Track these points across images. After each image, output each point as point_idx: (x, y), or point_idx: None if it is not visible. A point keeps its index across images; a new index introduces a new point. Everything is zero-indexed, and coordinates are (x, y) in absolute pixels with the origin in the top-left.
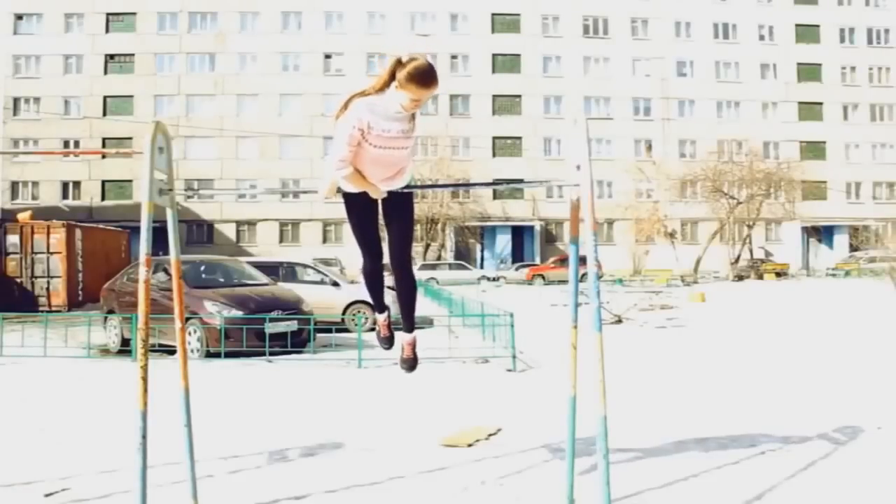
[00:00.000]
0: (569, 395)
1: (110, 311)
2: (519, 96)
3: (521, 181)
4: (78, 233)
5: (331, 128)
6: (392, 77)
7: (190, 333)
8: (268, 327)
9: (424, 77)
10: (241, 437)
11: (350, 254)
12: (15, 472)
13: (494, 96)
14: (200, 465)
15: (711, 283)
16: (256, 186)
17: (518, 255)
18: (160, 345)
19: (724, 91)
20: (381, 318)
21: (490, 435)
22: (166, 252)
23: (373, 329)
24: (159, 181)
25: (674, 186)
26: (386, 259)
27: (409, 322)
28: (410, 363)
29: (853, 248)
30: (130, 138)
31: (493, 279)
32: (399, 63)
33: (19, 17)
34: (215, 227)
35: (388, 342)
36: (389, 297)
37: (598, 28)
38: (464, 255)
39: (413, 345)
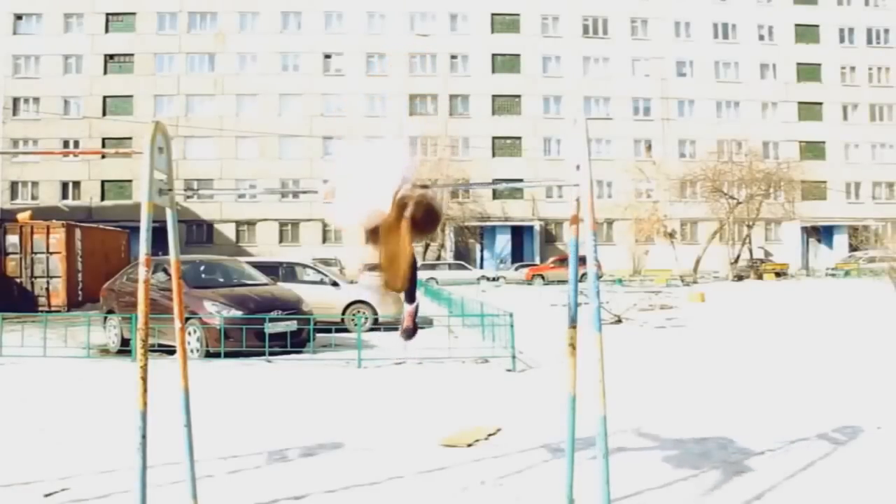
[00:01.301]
0: (568, 395)
1: (110, 311)
2: (518, 96)
3: (520, 181)
4: (77, 233)
5: (329, 128)
6: (398, 215)
7: (189, 333)
8: (267, 327)
9: (431, 227)
10: (241, 437)
11: (349, 254)
12: (15, 472)
13: (494, 96)
14: (200, 465)
15: (711, 283)
16: (256, 186)
17: (518, 255)
18: (160, 345)
19: (724, 91)
20: (409, 308)
21: (490, 435)
22: (166, 252)
23: (372, 329)
24: (159, 181)
25: (673, 186)
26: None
27: (411, 295)
28: (409, 332)
29: (853, 248)
30: (130, 138)
31: (493, 279)
32: (404, 204)
33: (19, 17)
34: (215, 227)
35: (410, 334)
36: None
37: (597, 28)
38: (463, 255)
39: (413, 315)
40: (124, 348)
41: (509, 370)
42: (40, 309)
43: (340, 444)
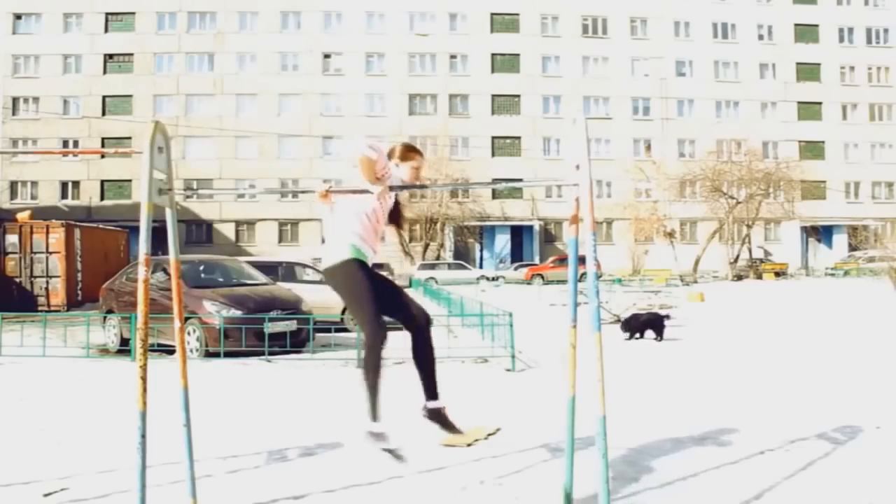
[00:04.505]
0: (568, 394)
1: (109, 311)
2: (518, 96)
3: (520, 181)
4: (77, 232)
5: (329, 127)
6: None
7: (189, 333)
8: (267, 327)
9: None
10: (240, 437)
11: None
12: (14, 472)
13: (493, 96)
14: (199, 465)
15: (710, 282)
16: (255, 186)
17: (517, 254)
18: (159, 344)
19: (723, 91)
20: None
21: (489, 435)
22: (165, 252)
23: None
24: (158, 181)
25: (673, 186)
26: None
27: (434, 385)
28: (452, 428)
29: (852, 248)
30: (129, 138)
31: (493, 279)
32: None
33: (18, 16)
34: (214, 227)
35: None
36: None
37: (597, 28)
38: (463, 255)
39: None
40: (124, 348)
41: (509, 370)
42: (39, 308)
43: (340, 443)
